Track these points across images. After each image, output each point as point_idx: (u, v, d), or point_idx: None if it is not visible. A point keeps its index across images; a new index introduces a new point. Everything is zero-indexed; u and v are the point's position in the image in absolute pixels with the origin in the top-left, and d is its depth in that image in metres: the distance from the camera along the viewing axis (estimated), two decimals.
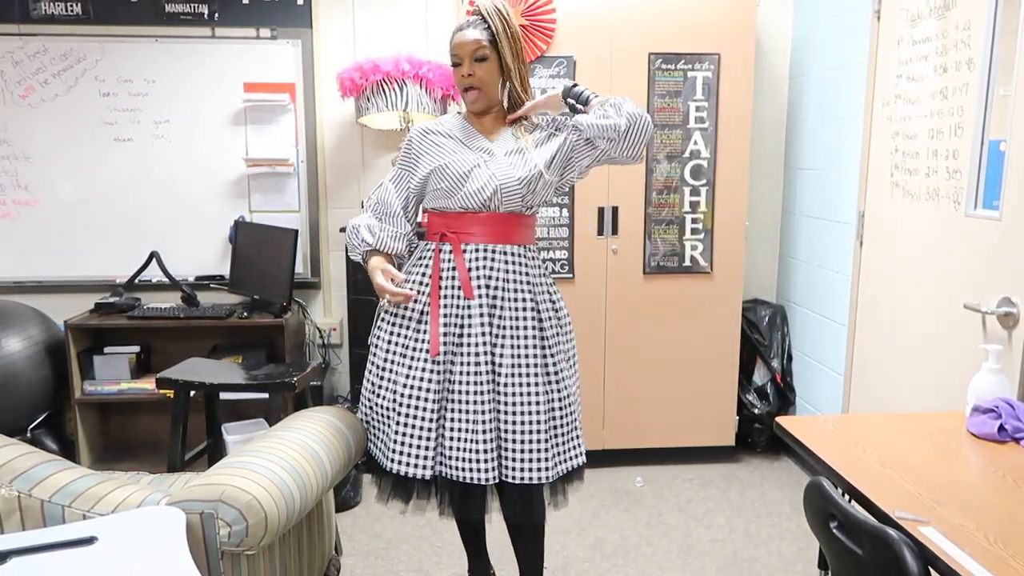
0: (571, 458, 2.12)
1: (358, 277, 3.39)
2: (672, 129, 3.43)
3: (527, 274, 2.08)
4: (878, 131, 2.94)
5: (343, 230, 3.61)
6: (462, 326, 2.04)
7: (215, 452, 3.01)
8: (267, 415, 2.89)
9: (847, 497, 1.53)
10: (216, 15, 3.60)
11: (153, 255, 3.51)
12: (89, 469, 1.75)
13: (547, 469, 2.03)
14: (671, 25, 3.36)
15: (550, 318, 2.10)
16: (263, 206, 3.75)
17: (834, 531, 1.47)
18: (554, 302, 2.15)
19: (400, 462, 2.04)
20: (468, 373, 2.03)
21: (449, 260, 2.06)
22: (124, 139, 3.66)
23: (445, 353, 2.04)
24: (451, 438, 2.04)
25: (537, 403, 2.04)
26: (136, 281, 3.56)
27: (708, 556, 2.86)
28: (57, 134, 3.62)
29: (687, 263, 3.52)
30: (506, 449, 2.03)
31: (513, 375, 2.03)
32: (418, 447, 2.03)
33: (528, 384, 2.04)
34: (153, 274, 3.59)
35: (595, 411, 3.56)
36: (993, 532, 1.33)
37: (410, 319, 2.08)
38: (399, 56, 3.29)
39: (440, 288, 2.05)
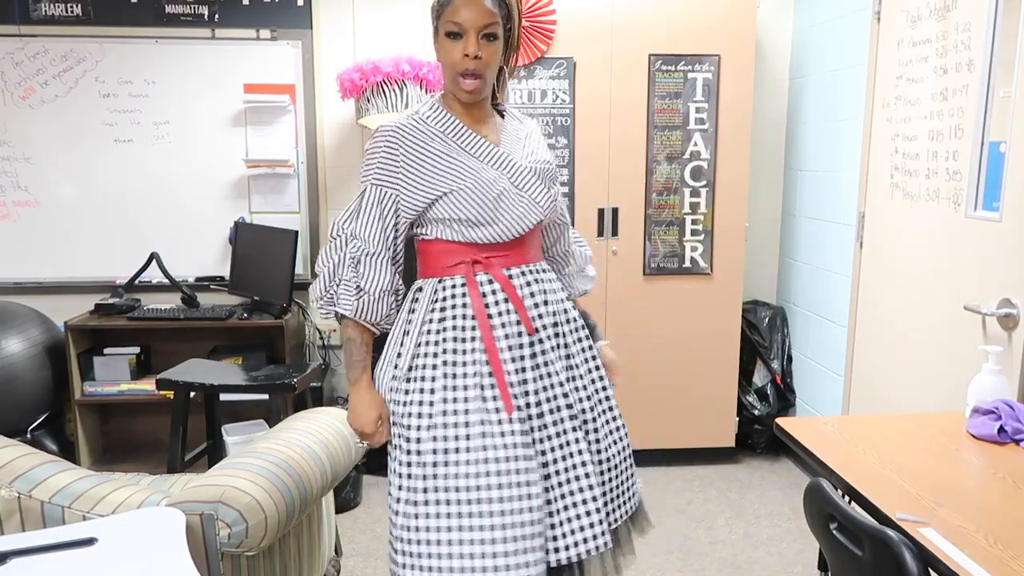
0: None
1: None
2: (672, 130, 3.43)
3: (559, 290, 1.74)
4: (878, 133, 2.94)
5: None
6: (536, 366, 1.63)
7: (215, 453, 3.01)
8: (267, 416, 2.89)
9: (847, 498, 1.53)
10: (216, 16, 3.60)
11: (153, 256, 3.51)
12: (89, 470, 1.75)
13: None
14: (671, 26, 3.36)
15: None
16: (263, 207, 3.75)
17: (834, 532, 1.47)
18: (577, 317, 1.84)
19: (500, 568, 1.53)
20: (560, 420, 1.63)
21: (494, 293, 1.62)
22: (124, 140, 3.66)
23: (527, 406, 1.61)
24: (562, 508, 1.62)
25: (623, 427, 1.79)
26: (136, 282, 3.56)
27: (708, 557, 2.85)
28: (57, 135, 3.62)
29: (687, 264, 3.52)
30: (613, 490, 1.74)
31: (601, 409, 1.74)
32: (524, 544, 1.54)
33: (610, 409, 1.77)
34: (153, 275, 3.59)
35: None
36: (993, 534, 1.33)
37: (455, 387, 1.59)
38: (399, 57, 3.29)
39: (491, 329, 1.60)
